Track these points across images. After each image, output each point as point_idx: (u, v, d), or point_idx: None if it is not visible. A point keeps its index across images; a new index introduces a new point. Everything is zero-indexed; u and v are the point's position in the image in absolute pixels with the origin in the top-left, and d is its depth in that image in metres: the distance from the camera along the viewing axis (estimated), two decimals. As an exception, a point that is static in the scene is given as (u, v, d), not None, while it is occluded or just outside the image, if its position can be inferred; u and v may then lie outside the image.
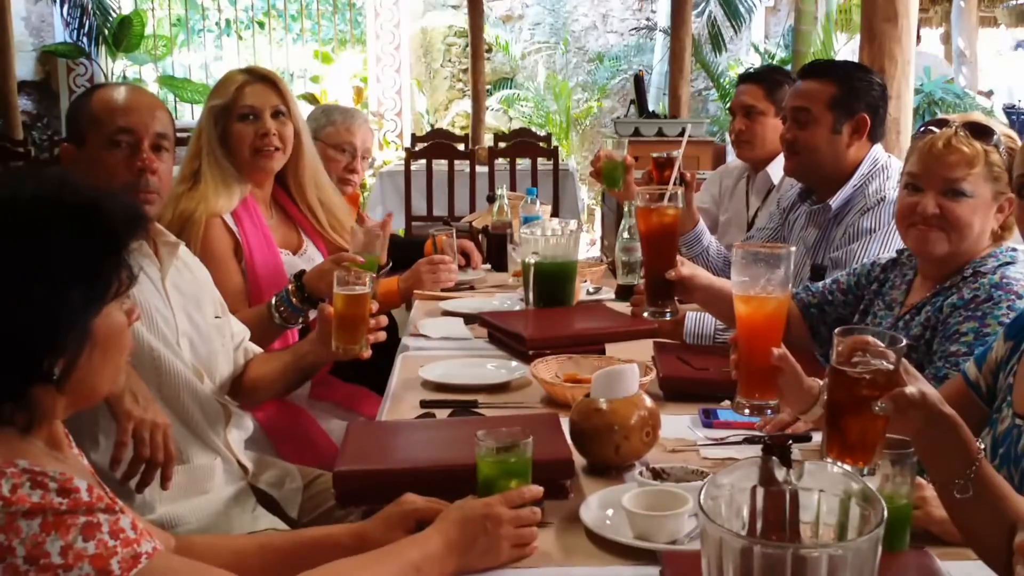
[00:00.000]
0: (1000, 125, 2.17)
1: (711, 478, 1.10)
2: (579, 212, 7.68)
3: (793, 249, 1.74)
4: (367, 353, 2.33)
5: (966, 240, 2.15)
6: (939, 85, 8.07)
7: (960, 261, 2.18)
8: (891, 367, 1.34)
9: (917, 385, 1.35)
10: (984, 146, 2.10)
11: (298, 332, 2.92)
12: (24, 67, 10.06)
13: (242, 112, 2.86)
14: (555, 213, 6.94)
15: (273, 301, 2.73)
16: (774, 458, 1.11)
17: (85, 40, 10.65)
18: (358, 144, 3.65)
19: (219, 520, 2.21)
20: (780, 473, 1.11)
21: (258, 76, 2.92)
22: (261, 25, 11.95)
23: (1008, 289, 2.08)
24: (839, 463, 1.36)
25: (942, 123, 2.16)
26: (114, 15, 10.75)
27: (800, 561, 0.98)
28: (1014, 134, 2.17)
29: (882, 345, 1.36)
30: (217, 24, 11.92)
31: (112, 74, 10.91)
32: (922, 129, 2.20)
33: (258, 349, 2.54)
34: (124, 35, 10.81)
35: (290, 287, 2.74)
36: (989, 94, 10.61)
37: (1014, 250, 2.16)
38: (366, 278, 2.28)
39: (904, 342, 1.36)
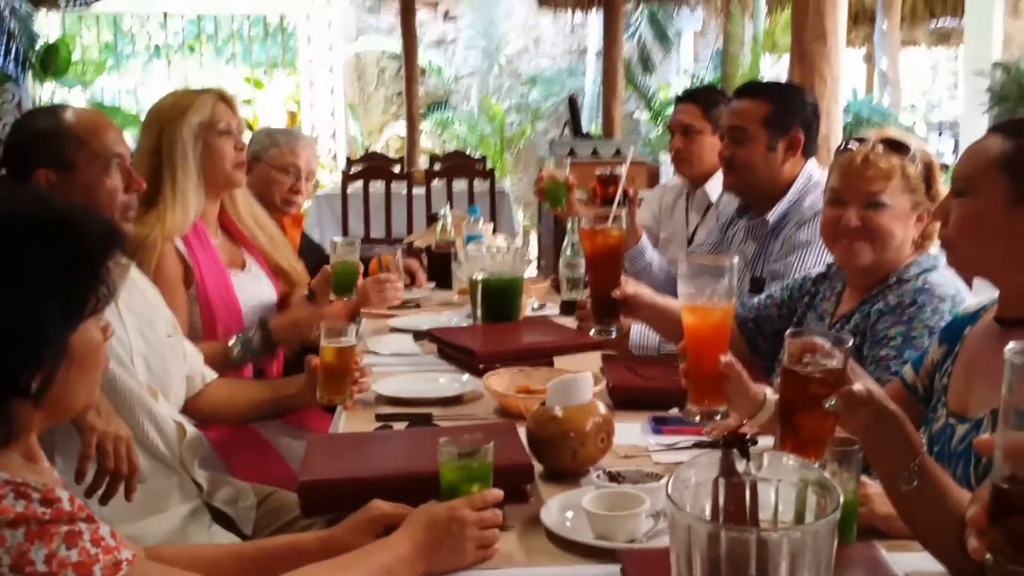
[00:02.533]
0: (915, 140, 2.29)
1: (676, 471, 1.15)
2: (516, 232, 7.76)
3: (736, 260, 1.81)
4: (351, 404, 2.41)
5: (889, 248, 2.25)
6: (865, 104, 8.30)
7: (884, 271, 2.28)
8: (839, 366, 1.42)
9: (864, 382, 1.42)
10: (900, 160, 2.21)
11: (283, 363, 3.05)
12: (-51, 93, 9.92)
13: (221, 128, 2.88)
14: (493, 232, 6.99)
15: (231, 342, 2.81)
16: (735, 451, 1.16)
17: (11, 65, 10.51)
18: (302, 165, 3.67)
19: (177, 538, 2.21)
20: (740, 465, 1.16)
21: (220, 94, 2.95)
22: (191, 49, 11.90)
23: (931, 293, 2.19)
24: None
25: (861, 140, 2.27)
26: (41, 40, 10.63)
27: (763, 544, 1.03)
28: (928, 148, 2.29)
29: (829, 346, 1.43)
30: (147, 48, 11.85)
31: (40, 99, 10.78)
32: (843, 147, 2.31)
33: (214, 374, 2.57)
34: (51, 60, 10.70)
35: (253, 334, 2.85)
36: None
37: (935, 258, 2.27)
38: (352, 332, 2.36)
39: (851, 342, 1.44)
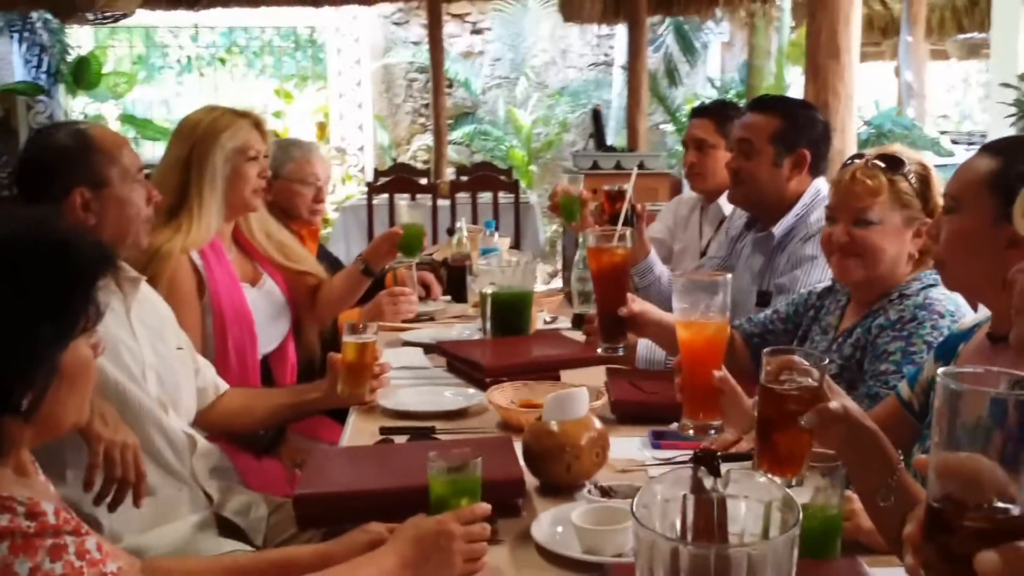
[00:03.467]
0: (914, 154, 2.30)
1: (643, 488, 1.17)
2: (540, 244, 7.77)
3: (729, 277, 1.84)
4: (371, 398, 2.51)
5: (880, 265, 2.27)
6: (889, 117, 8.27)
7: (885, 286, 2.30)
8: (815, 384, 1.44)
9: (840, 400, 1.44)
10: (890, 176, 2.23)
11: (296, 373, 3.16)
12: (-18, 106, 10.09)
13: (252, 155, 2.95)
14: (516, 245, 7.03)
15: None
16: (703, 468, 1.19)
17: (44, 78, 10.67)
18: (320, 174, 3.74)
19: (185, 548, 2.25)
20: (708, 482, 1.19)
21: (256, 121, 3.01)
22: (223, 62, 12.02)
23: (931, 309, 2.20)
24: (770, 475, 1.45)
25: (861, 156, 2.30)
26: (73, 53, 10.78)
27: (723, 560, 1.06)
28: (927, 162, 2.30)
29: (807, 364, 1.45)
30: (178, 61, 11.98)
31: (71, 112, 10.94)
32: (848, 162, 2.33)
33: (226, 385, 2.61)
34: (84, 73, 10.84)
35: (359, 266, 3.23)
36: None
37: (937, 273, 2.28)
38: (372, 329, 2.47)
39: (827, 360, 1.46)
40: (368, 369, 2.48)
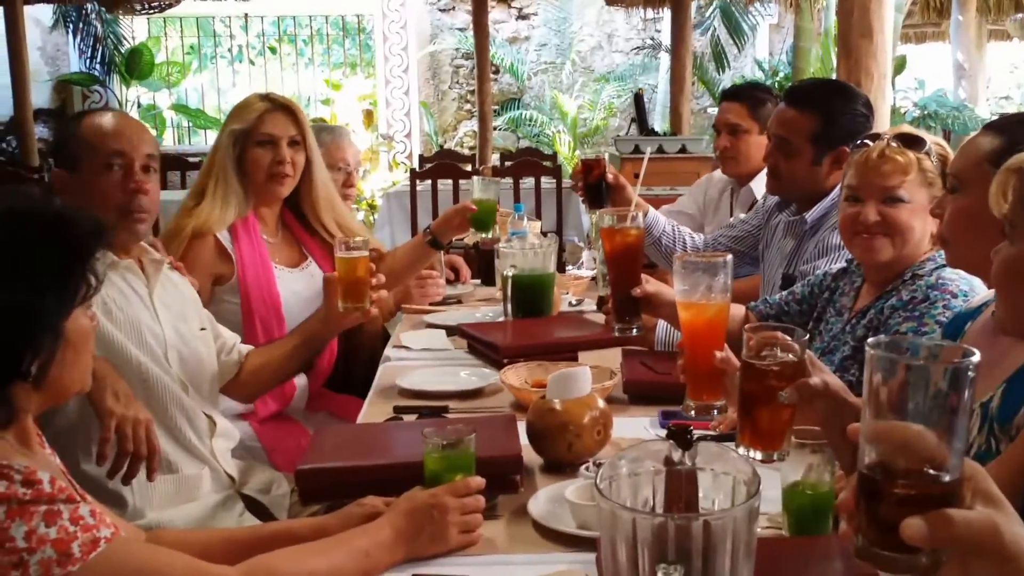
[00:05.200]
0: (929, 134, 2.28)
1: (609, 461, 1.19)
2: (584, 229, 7.76)
3: (730, 258, 1.83)
4: (374, 310, 2.53)
5: (909, 244, 2.25)
6: (934, 98, 8.14)
7: (902, 266, 2.28)
8: (796, 359, 1.44)
9: (821, 376, 1.45)
10: (917, 154, 2.20)
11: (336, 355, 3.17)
12: (40, 96, 10.30)
13: (261, 139, 2.97)
14: (559, 231, 7.02)
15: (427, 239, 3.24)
16: (673, 441, 1.20)
17: (99, 68, 10.88)
18: (350, 160, 3.77)
19: (206, 524, 2.30)
20: (678, 455, 1.20)
21: (279, 105, 3.02)
22: (273, 50, 12.13)
23: (944, 289, 2.18)
24: (752, 449, 1.46)
25: (875, 137, 2.27)
26: (127, 43, 10.97)
27: (682, 530, 1.07)
28: (943, 142, 2.28)
29: (789, 339, 1.46)
30: (229, 50, 12.12)
31: (126, 101, 11.13)
32: (858, 143, 2.31)
33: (247, 348, 2.65)
34: (136, 63, 11.03)
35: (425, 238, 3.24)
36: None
37: None
38: (366, 245, 2.48)
39: (806, 336, 1.46)
40: (366, 283, 2.47)
